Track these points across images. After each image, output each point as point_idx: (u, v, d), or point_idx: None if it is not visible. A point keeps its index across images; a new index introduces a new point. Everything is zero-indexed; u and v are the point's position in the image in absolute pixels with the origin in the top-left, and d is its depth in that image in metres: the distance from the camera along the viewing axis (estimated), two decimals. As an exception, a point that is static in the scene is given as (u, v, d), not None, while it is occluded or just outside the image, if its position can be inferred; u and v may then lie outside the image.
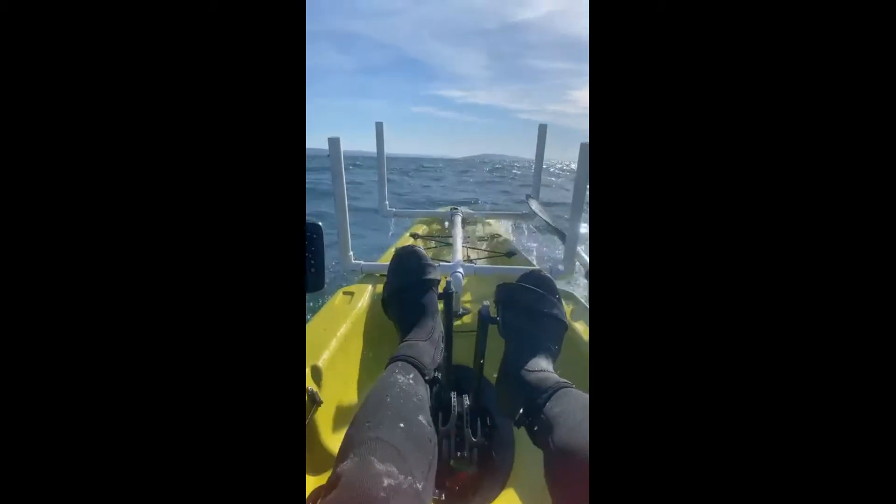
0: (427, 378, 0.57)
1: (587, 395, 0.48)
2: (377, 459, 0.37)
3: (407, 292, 0.70)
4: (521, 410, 0.52)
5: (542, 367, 0.55)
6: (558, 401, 0.48)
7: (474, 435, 0.71)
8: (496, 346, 0.65)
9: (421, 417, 0.47)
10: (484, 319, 0.67)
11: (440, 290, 0.73)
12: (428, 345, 0.62)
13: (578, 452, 0.40)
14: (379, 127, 1.55)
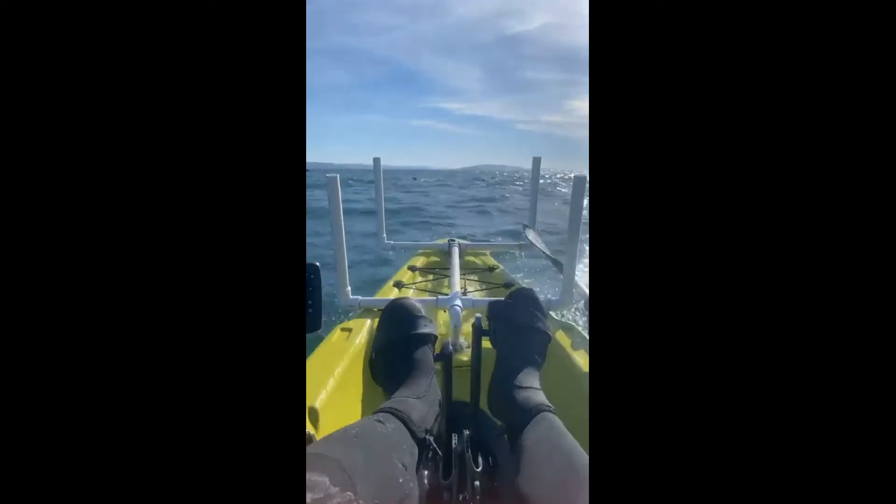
0: (416, 437, 0.51)
1: (559, 423, 0.53)
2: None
3: (397, 346, 0.65)
4: (505, 427, 0.58)
5: (529, 383, 0.61)
6: (535, 427, 0.53)
7: (476, 465, 0.70)
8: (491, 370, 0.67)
9: (393, 458, 0.43)
10: (477, 331, 0.70)
11: (437, 349, 0.68)
12: (420, 403, 0.56)
13: (532, 497, 0.42)
14: (376, 162, 1.56)
